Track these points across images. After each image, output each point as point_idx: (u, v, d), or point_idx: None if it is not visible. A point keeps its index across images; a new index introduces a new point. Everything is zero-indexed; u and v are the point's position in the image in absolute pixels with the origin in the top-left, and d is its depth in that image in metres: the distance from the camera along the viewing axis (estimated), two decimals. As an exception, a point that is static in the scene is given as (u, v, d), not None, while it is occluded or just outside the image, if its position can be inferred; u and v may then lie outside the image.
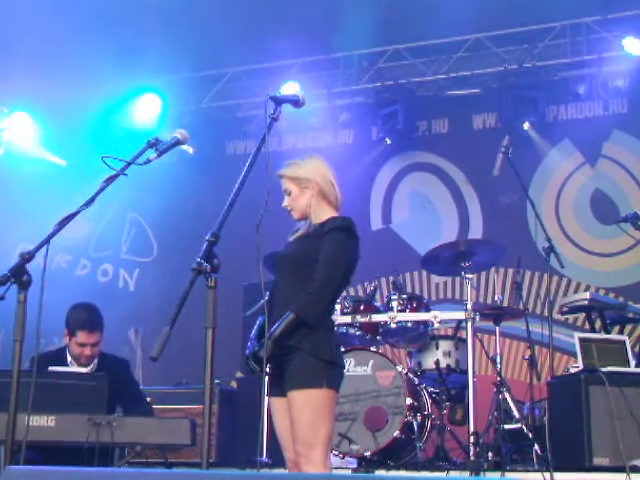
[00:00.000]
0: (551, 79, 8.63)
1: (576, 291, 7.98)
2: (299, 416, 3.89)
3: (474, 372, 6.12)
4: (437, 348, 6.47)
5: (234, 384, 7.89)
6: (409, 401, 6.02)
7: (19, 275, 3.37)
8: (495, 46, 8.63)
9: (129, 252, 9.82)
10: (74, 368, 5.23)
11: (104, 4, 7.71)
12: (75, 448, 4.41)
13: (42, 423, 4.34)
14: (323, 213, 4.18)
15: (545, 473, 5.25)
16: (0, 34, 7.66)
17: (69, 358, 5.29)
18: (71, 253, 9.71)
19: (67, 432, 4.39)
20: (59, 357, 5.28)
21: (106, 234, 9.81)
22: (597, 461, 5.21)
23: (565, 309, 6.67)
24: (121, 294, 9.55)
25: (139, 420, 4.64)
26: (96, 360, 5.34)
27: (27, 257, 3.40)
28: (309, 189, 4.18)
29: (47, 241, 3.47)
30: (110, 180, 3.60)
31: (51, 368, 5.07)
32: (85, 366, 5.27)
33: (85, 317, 5.24)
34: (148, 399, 5.99)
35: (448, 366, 6.42)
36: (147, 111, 9.31)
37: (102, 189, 3.59)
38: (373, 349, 6.29)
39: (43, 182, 9.58)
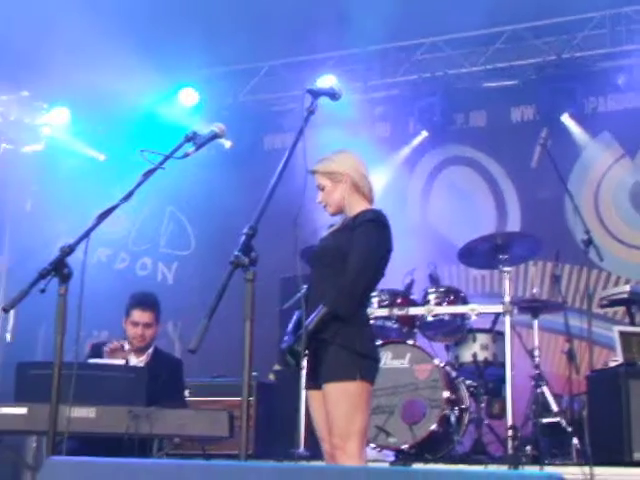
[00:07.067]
0: (590, 70, 8.52)
1: (616, 284, 7.89)
2: (334, 408, 3.90)
3: (512, 365, 6.09)
4: (474, 341, 6.45)
5: (272, 377, 7.92)
6: (446, 394, 6.01)
7: (60, 268, 3.42)
8: (533, 37, 8.55)
9: (167, 245, 9.88)
10: (131, 358, 5.41)
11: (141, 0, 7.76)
12: (115, 439, 4.46)
13: (83, 415, 4.39)
14: (357, 206, 4.19)
15: (584, 467, 5.21)
16: (39, 30, 7.73)
17: (127, 347, 5.46)
18: (111, 247, 9.80)
19: (107, 424, 4.44)
20: None
21: (145, 228, 9.87)
22: (637, 456, 5.17)
23: (604, 302, 6.62)
24: (159, 287, 9.57)
25: (177, 412, 4.68)
26: (150, 351, 5.49)
27: (67, 250, 3.45)
28: (342, 183, 4.19)
29: (87, 235, 3.52)
30: (148, 174, 3.64)
31: (91, 360, 5.17)
32: (141, 350, 5.44)
33: (139, 297, 5.56)
34: (186, 392, 6.08)
35: (486, 359, 6.40)
36: (185, 105, 9.36)
37: (140, 183, 3.63)
38: (410, 342, 6.29)
39: (82, 176, 9.67)
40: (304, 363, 4.01)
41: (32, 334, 9.37)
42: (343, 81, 8.43)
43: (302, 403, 4.63)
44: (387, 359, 6.10)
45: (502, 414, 6.13)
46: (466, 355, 6.46)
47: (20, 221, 9.81)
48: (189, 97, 9.33)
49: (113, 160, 9.71)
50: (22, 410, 4.44)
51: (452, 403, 6.07)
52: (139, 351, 5.47)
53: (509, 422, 5.86)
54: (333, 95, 3.95)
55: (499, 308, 6.22)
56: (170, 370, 5.43)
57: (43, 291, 3.34)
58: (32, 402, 4.39)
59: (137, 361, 5.42)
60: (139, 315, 5.44)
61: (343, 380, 3.89)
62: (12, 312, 8.45)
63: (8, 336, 9.47)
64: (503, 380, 6.14)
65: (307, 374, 4.12)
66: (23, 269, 8.81)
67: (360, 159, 4.30)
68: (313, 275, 4.19)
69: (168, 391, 5.12)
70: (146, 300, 5.54)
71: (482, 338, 6.47)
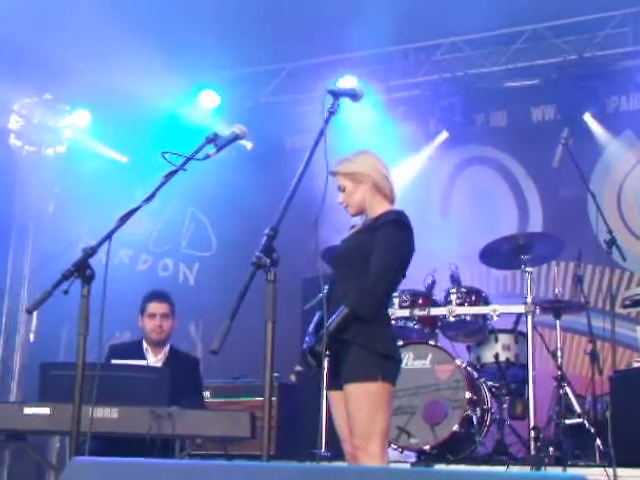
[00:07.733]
0: (612, 69, 8.45)
1: (639, 284, 7.84)
2: (356, 409, 3.90)
3: (534, 366, 6.07)
4: (496, 342, 6.43)
5: (293, 378, 7.92)
6: (468, 395, 5.99)
7: (82, 270, 3.44)
8: (554, 36, 8.50)
9: (189, 246, 9.91)
10: (149, 357, 5.48)
11: (161, 1, 7.79)
12: (137, 439, 4.48)
13: (105, 415, 4.42)
14: (378, 207, 4.19)
15: (608, 469, 5.18)
16: (61, 33, 7.78)
17: (145, 345, 5.55)
18: (132, 248, 9.84)
19: (129, 424, 4.46)
20: (135, 348, 5.56)
21: (166, 229, 9.90)
22: (661, 457, 5.13)
23: (627, 302, 6.58)
24: (181, 288, 9.63)
25: (199, 413, 4.70)
26: (167, 350, 5.54)
27: (90, 252, 3.47)
28: (363, 184, 4.19)
29: (109, 236, 3.54)
30: (170, 176, 3.66)
31: (114, 361, 5.20)
32: (159, 345, 5.52)
33: (153, 292, 5.72)
34: (207, 394, 6.11)
35: (507, 360, 6.37)
36: (206, 107, 9.37)
37: (162, 184, 3.65)
38: (432, 343, 6.28)
39: (104, 178, 9.71)
40: (325, 364, 4.01)
41: (55, 335, 9.43)
42: (364, 82, 8.42)
43: (323, 404, 4.62)
44: (408, 360, 6.09)
45: (524, 415, 6.10)
46: (488, 356, 6.44)
47: (43, 223, 9.87)
48: (210, 99, 9.35)
49: (135, 162, 9.75)
50: (45, 410, 4.48)
51: (474, 404, 6.06)
52: (157, 347, 5.53)
53: (531, 423, 5.84)
54: (354, 96, 3.96)
55: (521, 308, 6.20)
56: (187, 368, 5.47)
57: (66, 292, 3.36)
58: (55, 402, 4.42)
59: (154, 360, 5.46)
60: (156, 307, 5.55)
61: (364, 381, 3.89)
62: (35, 313, 8.52)
63: (31, 337, 9.54)
64: (525, 381, 6.12)
65: (328, 375, 4.12)
66: (46, 271, 8.87)
67: (381, 159, 4.30)
68: (334, 276, 4.20)
69: (186, 390, 5.15)
70: (160, 293, 5.70)
71: (504, 339, 6.45)
